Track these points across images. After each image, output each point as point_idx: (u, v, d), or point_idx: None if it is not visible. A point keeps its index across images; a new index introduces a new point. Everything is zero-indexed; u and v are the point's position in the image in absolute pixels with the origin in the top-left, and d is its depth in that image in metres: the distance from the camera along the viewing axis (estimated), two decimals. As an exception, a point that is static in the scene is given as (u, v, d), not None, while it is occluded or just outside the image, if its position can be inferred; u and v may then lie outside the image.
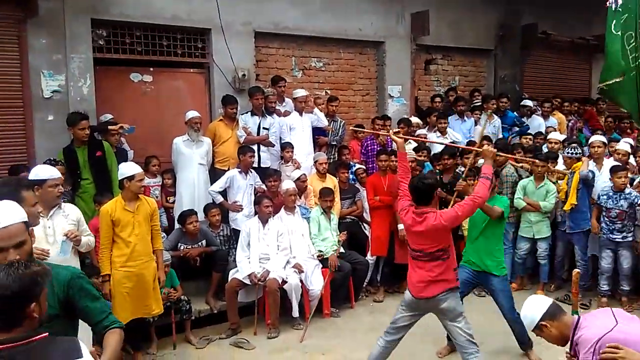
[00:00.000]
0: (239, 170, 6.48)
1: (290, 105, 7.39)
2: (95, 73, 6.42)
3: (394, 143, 7.60)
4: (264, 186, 6.58)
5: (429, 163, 7.23)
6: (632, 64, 6.89)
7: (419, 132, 7.92)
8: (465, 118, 8.48)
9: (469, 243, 5.13)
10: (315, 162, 6.95)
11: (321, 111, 7.50)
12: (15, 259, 2.10)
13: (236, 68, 7.19)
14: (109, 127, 6.10)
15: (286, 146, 6.89)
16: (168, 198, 6.64)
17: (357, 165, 7.37)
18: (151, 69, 6.99)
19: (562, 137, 7.96)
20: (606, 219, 6.14)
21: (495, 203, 4.85)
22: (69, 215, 4.16)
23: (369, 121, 8.35)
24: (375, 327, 5.53)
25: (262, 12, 7.48)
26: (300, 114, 7.22)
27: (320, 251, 6.24)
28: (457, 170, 6.78)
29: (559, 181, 6.69)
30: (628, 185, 6.12)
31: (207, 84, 7.34)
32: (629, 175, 6.27)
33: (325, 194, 6.40)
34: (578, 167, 6.37)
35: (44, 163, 4.94)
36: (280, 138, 7.07)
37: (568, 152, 6.60)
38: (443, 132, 7.94)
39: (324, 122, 7.39)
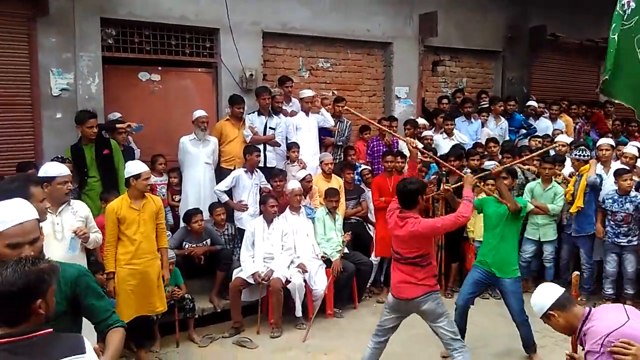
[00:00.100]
0: (245, 169, 6.50)
1: (297, 105, 7.41)
2: (103, 72, 6.48)
3: (398, 143, 7.73)
4: (269, 186, 6.60)
5: (434, 164, 7.23)
6: None
7: (425, 133, 7.93)
8: (472, 120, 8.47)
9: (483, 244, 5.16)
10: (321, 162, 6.97)
11: (327, 111, 7.52)
12: (29, 255, 2.14)
13: (244, 68, 7.23)
14: (117, 125, 6.15)
15: (292, 146, 6.91)
16: (174, 196, 6.69)
17: (363, 166, 7.38)
18: (159, 68, 7.03)
19: (569, 139, 7.94)
20: (612, 222, 6.12)
21: None
22: (77, 212, 4.20)
23: (375, 122, 8.34)
24: (378, 327, 5.54)
25: (270, 12, 7.51)
26: (307, 114, 7.24)
27: (325, 253, 6.26)
28: (464, 171, 6.78)
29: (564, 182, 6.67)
30: (634, 189, 6.09)
31: (214, 84, 7.38)
32: (635, 178, 6.23)
33: (331, 195, 6.42)
34: (586, 169, 6.35)
35: (52, 160, 4.99)
36: (287, 138, 7.10)
37: (576, 155, 6.58)
38: (449, 134, 7.94)
39: (330, 122, 7.41)
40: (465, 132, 8.22)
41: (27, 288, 1.90)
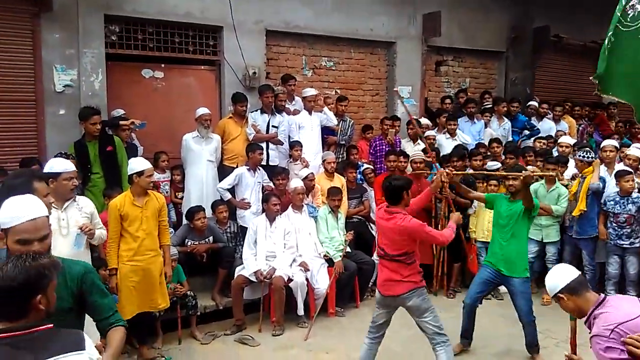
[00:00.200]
0: (248, 167, 6.50)
1: (300, 104, 7.41)
2: (107, 68, 6.49)
3: (401, 143, 7.74)
4: (271, 184, 6.60)
5: (438, 164, 7.22)
6: None
7: (428, 133, 7.93)
8: (475, 120, 8.47)
9: (492, 242, 5.15)
10: (324, 161, 6.97)
11: (330, 110, 7.52)
12: (35, 250, 2.14)
13: (247, 66, 7.23)
14: (121, 122, 6.15)
15: (295, 145, 6.91)
16: (177, 194, 6.69)
17: (365, 165, 7.38)
18: (162, 66, 7.04)
19: (572, 140, 7.93)
20: (614, 224, 6.11)
21: None
22: (83, 208, 4.20)
23: (377, 121, 8.34)
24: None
25: (274, 11, 7.51)
26: (310, 113, 7.24)
27: (327, 253, 6.26)
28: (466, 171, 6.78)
29: (572, 181, 6.65)
30: (637, 190, 6.09)
31: (217, 81, 7.38)
32: (637, 179, 6.23)
33: (333, 193, 6.42)
34: (589, 171, 6.34)
35: (56, 156, 4.98)
36: (289, 136, 7.09)
37: (580, 156, 6.57)
38: (452, 134, 7.94)
39: (333, 121, 7.41)
40: (468, 133, 8.21)
41: (28, 283, 1.91)
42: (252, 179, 6.51)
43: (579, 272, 2.86)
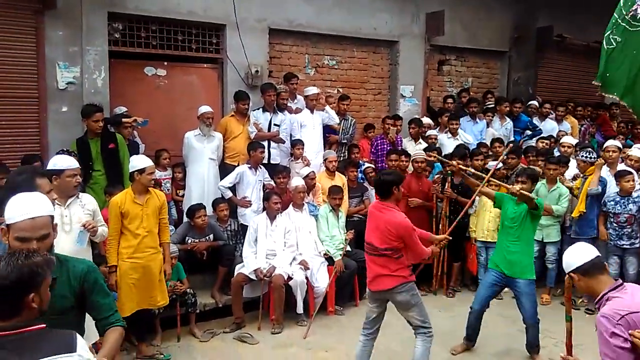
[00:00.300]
0: (249, 166, 6.52)
1: (302, 102, 7.41)
2: (110, 66, 6.50)
3: (403, 142, 7.74)
4: (273, 182, 6.61)
5: (439, 164, 7.22)
6: None
7: (429, 132, 7.93)
8: (478, 120, 8.46)
9: (498, 244, 5.16)
10: (325, 160, 6.97)
11: (332, 109, 7.52)
12: (32, 248, 2.14)
13: (249, 64, 7.24)
14: (123, 119, 6.18)
15: (296, 143, 6.92)
16: (178, 191, 6.71)
17: (367, 164, 7.39)
18: (165, 63, 7.05)
19: (574, 141, 7.91)
20: (614, 224, 6.11)
21: None
22: (85, 205, 4.22)
23: (379, 120, 8.35)
24: (378, 326, 5.55)
25: (277, 9, 7.52)
26: (312, 112, 7.25)
27: (328, 252, 6.27)
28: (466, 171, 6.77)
29: (573, 182, 6.65)
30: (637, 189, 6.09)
31: (220, 80, 7.40)
32: (637, 179, 6.22)
33: (334, 192, 6.42)
34: (591, 171, 6.33)
35: (58, 153, 5.02)
36: (291, 135, 7.10)
37: (583, 156, 6.56)
38: (454, 133, 7.93)
39: (335, 120, 7.41)
40: (470, 132, 8.21)
41: (20, 281, 1.89)
42: (254, 177, 6.52)
43: (597, 254, 2.83)
